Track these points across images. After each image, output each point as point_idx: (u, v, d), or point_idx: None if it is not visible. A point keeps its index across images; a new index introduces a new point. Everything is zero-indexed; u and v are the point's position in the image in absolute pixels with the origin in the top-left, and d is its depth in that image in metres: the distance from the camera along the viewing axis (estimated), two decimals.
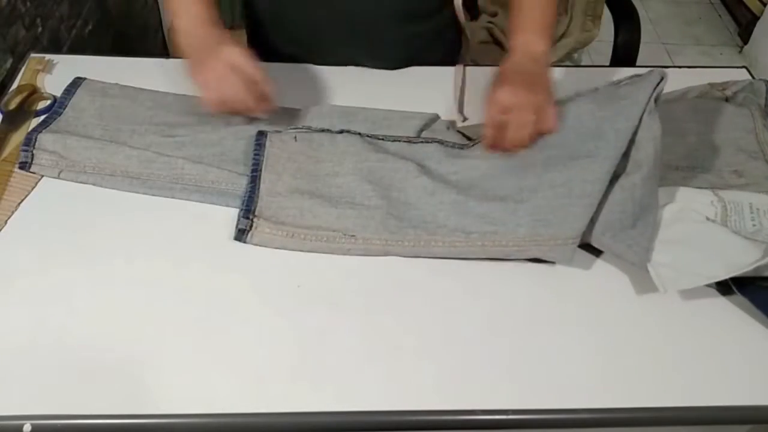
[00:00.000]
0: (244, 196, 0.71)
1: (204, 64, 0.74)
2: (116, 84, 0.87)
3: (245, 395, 0.59)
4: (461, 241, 0.68)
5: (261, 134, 0.77)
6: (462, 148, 0.78)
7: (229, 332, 0.64)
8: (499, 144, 0.73)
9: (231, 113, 0.77)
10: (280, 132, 0.78)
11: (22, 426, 0.56)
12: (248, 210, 0.70)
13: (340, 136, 0.78)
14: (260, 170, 0.73)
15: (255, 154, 0.74)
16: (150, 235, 0.71)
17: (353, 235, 0.68)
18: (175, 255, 0.70)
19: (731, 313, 0.67)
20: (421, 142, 0.79)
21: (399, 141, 0.79)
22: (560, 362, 0.63)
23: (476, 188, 0.72)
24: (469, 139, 0.81)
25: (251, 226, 0.68)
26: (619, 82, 0.74)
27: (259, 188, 0.71)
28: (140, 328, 0.64)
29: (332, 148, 0.77)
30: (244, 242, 0.69)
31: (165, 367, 0.61)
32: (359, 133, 0.79)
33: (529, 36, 0.79)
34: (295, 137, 0.76)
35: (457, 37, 1.02)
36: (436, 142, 0.79)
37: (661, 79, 0.70)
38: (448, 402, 0.60)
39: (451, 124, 0.84)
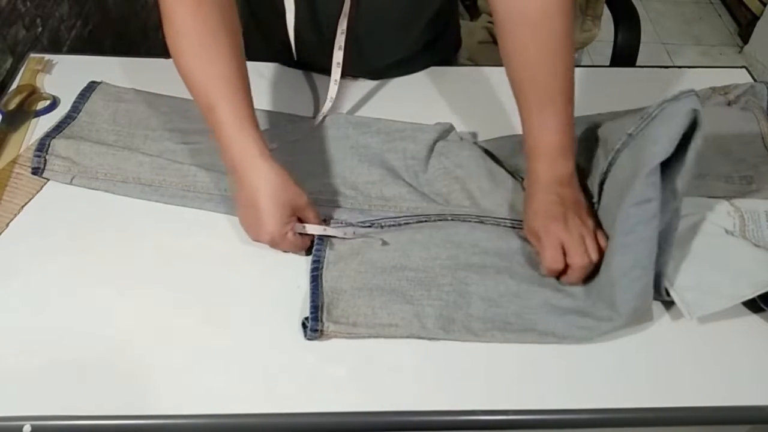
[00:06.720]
0: (309, 293, 0.66)
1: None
2: (131, 89, 0.87)
3: (246, 396, 0.59)
4: (553, 341, 0.65)
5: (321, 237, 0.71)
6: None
7: (229, 333, 0.64)
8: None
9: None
10: (343, 232, 0.72)
11: (22, 426, 0.56)
12: (315, 308, 0.64)
13: (405, 227, 0.73)
14: (321, 268, 0.68)
15: (316, 251, 0.69)
16: (152, 237, 0.71)
17: (434, 338, 0.64)
18: (176, 257, 0.70)
19: (731, 312, 0.66)
20: (492, 223, 0.73)
21: (468, 221, 0.73)
22: (560, 362, 0.63)
23: (565, 288, 0.67)
24: (488, 153, 0.79)
25: (321, 330, 0.63)
26: (650, 115, 0.63)
27: (322, 286, 0.66)
28: (141, 328, 0.64)
29: (396, 234, 0.72)
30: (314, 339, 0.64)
31: (165, 368, 0.61)
32: (425, 219, 0.73)
33: (550, 158, 0.69)
34: (354, 231, 0.71)
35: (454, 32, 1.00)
36: (503, 225, 0.73)
37: (695, 110, 0.60)
38: (448, 402, 0.60)
39: (465, 136, 0.82)
